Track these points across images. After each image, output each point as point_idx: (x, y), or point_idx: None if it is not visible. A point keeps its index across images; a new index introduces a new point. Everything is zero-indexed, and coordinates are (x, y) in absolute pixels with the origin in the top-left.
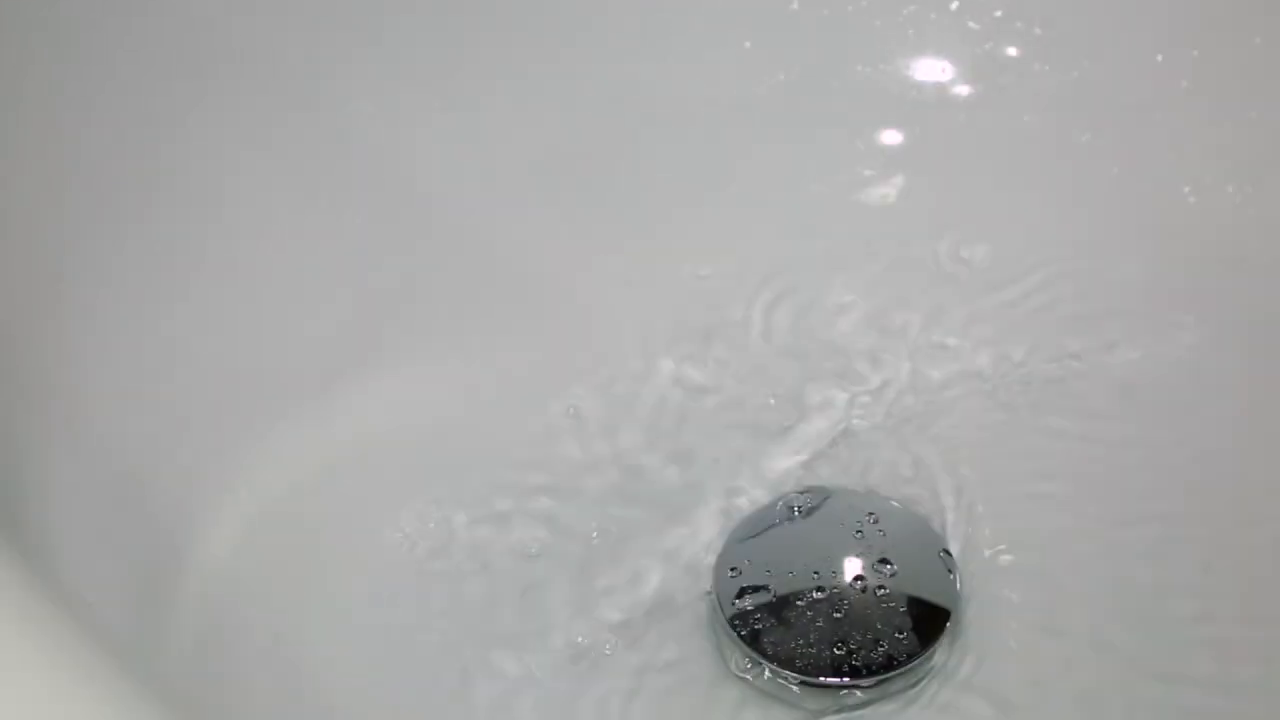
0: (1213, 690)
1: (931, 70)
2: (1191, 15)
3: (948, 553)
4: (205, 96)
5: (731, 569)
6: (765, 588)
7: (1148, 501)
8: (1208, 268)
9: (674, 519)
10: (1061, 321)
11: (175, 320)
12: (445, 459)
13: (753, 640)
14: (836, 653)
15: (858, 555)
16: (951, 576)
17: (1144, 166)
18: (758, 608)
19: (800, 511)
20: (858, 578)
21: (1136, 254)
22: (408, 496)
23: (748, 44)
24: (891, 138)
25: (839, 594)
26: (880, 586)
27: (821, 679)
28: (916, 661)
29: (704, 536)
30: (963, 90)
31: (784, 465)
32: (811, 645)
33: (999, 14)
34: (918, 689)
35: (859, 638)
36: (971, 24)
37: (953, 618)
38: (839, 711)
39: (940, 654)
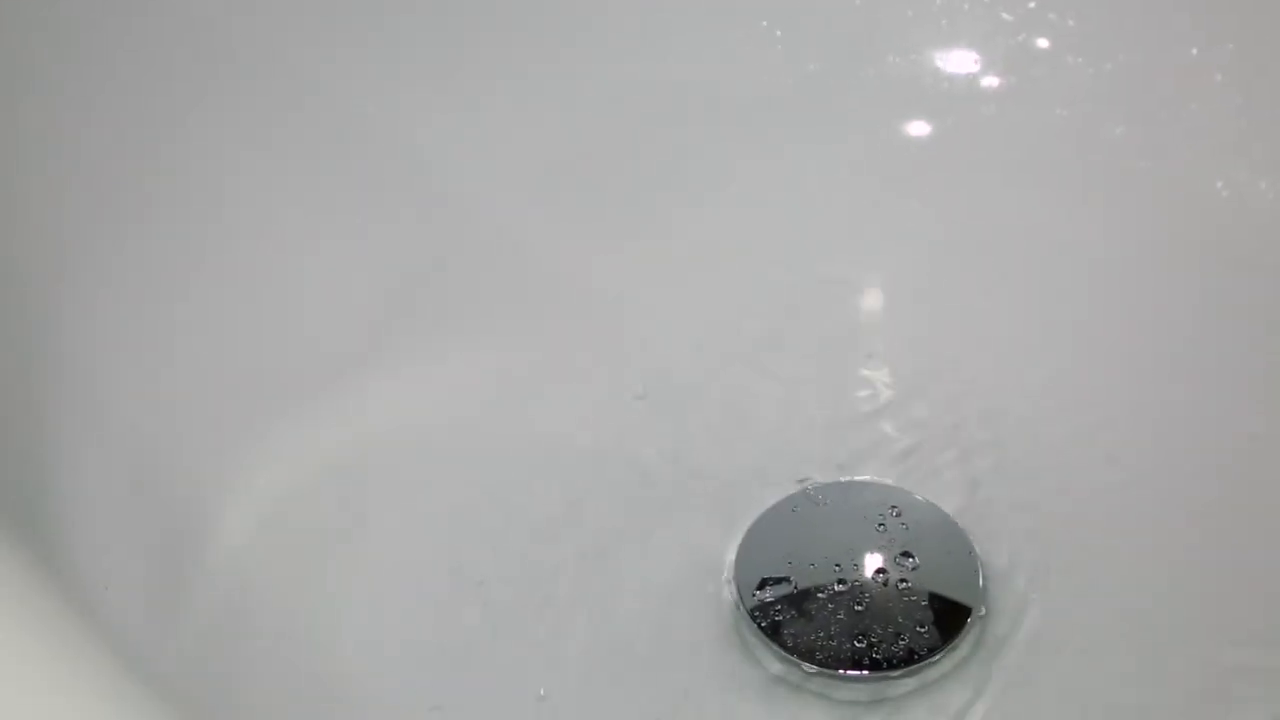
0: None
1: (963, 62)
2: (1226, 9)
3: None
4: (205, 96)
5: (751, 561)
6: (786, 579)
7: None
8: (1240, 263)
9: (686, 512)
10: None
11: (175, 320)
12: (446, 459)
13: (773, 632)
14: (857, 645)
15: (879, 549)
16: (975, 571)
17: (1176, 161)
18: (778, 599)
19: (822, 502)
20: (879, 571)
21: (1167, 249)
22: (408, 496)
23: (749, 43)
24: (919, 129)
25: (860, 587)
26: (902, 580)
27: (842, 671)
28: (938, 656)
29: (719, 529)
30: (993, 82)
31: (788, 464)
32: (832, 638)
33: (1032, 5)
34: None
35: (880, 631)
36: (1005, 15)
37: (973, 614)
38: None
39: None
